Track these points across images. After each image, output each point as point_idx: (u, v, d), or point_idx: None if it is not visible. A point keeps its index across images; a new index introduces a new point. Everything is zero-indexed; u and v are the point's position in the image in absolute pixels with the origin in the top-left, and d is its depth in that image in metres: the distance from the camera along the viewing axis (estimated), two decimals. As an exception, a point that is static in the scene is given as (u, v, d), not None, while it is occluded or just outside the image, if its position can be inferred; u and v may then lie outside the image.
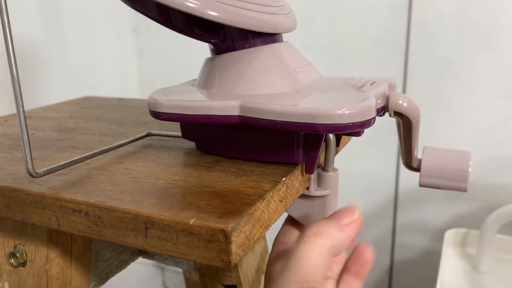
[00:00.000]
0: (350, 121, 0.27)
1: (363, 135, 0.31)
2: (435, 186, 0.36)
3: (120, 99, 0.60)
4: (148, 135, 0.39)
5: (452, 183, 0.35)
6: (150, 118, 0.48)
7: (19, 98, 0.27)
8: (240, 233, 0.24)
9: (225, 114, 0.30)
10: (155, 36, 1.13)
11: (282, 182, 0.29)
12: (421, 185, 0.36)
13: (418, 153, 0.37)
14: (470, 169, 0.34)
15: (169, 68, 1.16)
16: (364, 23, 0.96)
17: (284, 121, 0.28)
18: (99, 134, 0.42)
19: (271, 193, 0.28)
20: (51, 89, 0.81)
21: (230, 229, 0.23)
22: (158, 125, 0.45)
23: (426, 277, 1.06)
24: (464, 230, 0.87)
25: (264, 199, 0.27)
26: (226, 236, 0.23)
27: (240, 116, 0.30)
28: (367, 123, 0.28)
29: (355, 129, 0.27)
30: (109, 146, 0.35)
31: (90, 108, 0.55)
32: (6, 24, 0.26)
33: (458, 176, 0.34)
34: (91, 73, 0.93)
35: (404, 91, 1.00)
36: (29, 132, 0.43)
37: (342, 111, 0.27)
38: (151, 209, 0.25)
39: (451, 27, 0.91)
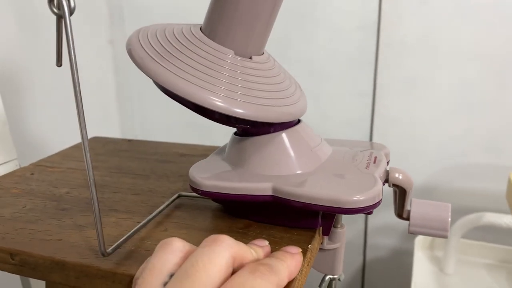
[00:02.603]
0: (364, 205, 0.34)
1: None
2: (421, 233, 0.44)
3: (129, 141, 0.65)
4: (179, 196, 0.45)
5: (435, 231, 0.43)
6: (168, 168, 0.54)
7: (95, 198, 0.33)
8: (286, 304, 0.30)
9: (259, 194, 0.37)
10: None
11: (309, 249, 0.36)
12: (410, 233, 0.44)
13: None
14: (449, 219, 0.42)
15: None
16: (337, 42, 1.04)
17: (311, 204, 0.35)
18: (129, 192, 0.48)
19: (302, 262, 0.34)
20: (35, 104, 0.85)
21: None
22: (180, 178, 0.51)
23: (396, 274, 1.17)
24: (432, 236, 0.97)
25: (299, 270, 0.33)
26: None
27: (273, 195, 0.36)
28: (377, 204, 0.35)
29: (368, 210, 0.34)
30: (152, 214, 0.41)
31: (105, 155, 0.60)
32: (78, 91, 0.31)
33: (440, 226, 0.42)
34: (69, 86, 0.96)
35: (373, 104, 1.08)
36: (64, 191, 0.48)
37: (358, 197, 0.34)
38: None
39: (415, 47, 1.00)
